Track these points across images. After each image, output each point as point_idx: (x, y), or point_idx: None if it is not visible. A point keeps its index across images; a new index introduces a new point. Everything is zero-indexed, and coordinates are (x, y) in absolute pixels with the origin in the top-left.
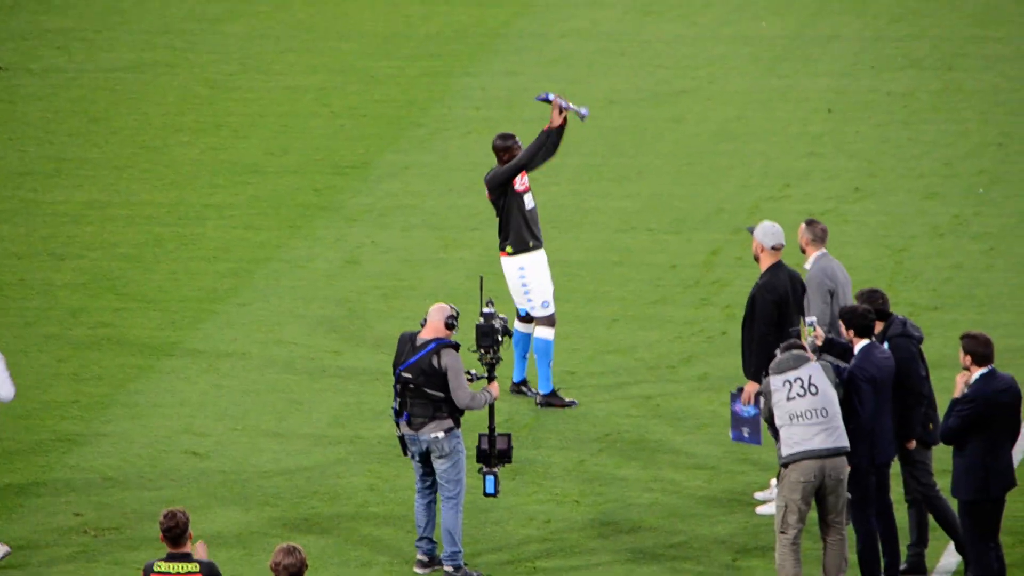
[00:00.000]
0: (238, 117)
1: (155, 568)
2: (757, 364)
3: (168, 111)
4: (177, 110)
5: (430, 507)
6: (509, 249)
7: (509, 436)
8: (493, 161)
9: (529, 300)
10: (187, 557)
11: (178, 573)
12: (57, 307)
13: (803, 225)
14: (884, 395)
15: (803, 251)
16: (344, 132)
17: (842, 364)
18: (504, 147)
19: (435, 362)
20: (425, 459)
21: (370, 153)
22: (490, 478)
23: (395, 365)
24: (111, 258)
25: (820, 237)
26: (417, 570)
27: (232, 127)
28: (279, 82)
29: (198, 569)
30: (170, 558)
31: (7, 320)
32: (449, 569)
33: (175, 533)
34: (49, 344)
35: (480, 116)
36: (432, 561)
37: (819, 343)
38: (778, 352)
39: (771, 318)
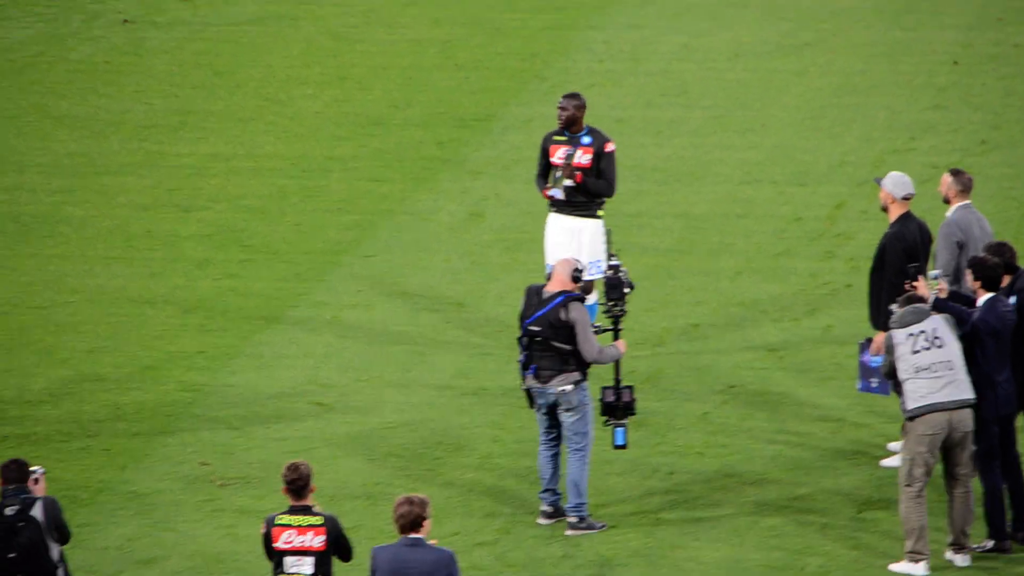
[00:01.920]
0: (362, 69)
1: (277, 521)
2: (886, 314)
3: (292, 63)
4: (301, 62)
5: (554, 459)
6: (602, 213)
7: (632, 388)
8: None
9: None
10: (309, 510)
11: (300, 526)
12: (183, 259)
13: (948, 175)
14: (1005, 347)
15: (946, 201)
16: (468, 85)
17: (967, 310)
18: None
19: (563, 315)
20: (551, 412)
21: (494, 106)
22: (619, 431)
23: (522, 318)
24: (236, 210)
25: (966, 187)
26: (541, 520)
27: (356, 79)
28: (403, 35)
29: (321, 522)
30: (292, 511)
31: (133, 271)
32: (573, 519)
33: (298, 485)
34: (175, 295)
35: (603, 69)
36: (556, 512)
37: (943, 296)
38: (895, 307)
39: (901, 268)
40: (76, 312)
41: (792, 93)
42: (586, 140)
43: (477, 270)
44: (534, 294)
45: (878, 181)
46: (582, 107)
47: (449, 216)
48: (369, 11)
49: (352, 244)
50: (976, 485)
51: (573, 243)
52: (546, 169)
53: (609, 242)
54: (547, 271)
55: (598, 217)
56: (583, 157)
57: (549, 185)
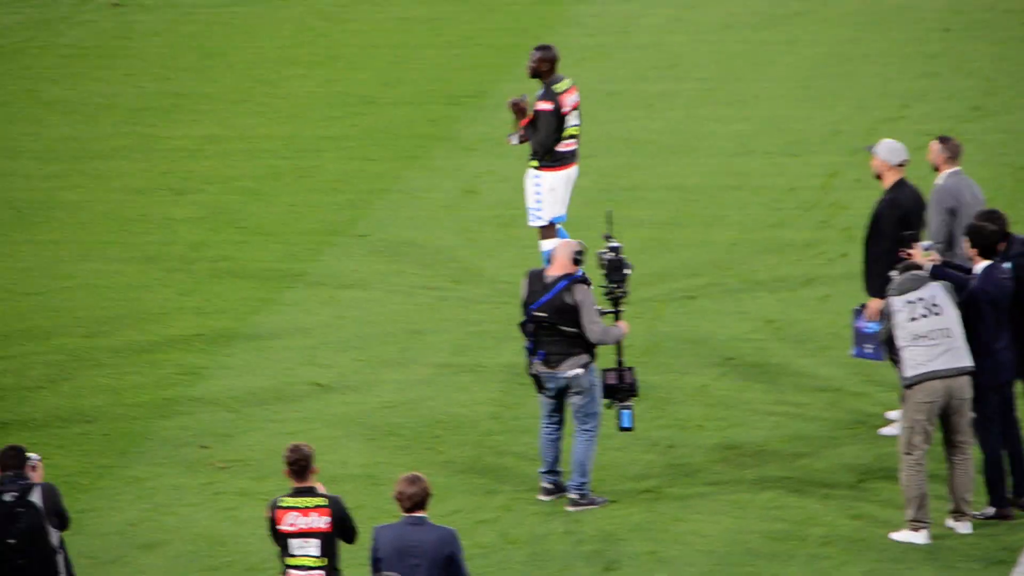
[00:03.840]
0: (352, 49)
1: (280, 503)
2: (880, 281)
3: (283, 44)
4: (292, 43)
5: (557, 442)
6: (534, 163)
7: (633, 369)
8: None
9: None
10: (312, 491)
11: (304, 507)
12: (178, 241)
13: (936, 142)
14: (1003, 315)
15: (936, 168)
16: (458, 61)
17: (965, 277)
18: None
19: (567, 298)
20: (559, 396)
21: (485, 82)
22: (626, 413)
23: (525, 304)
24: (230, 192)
25: (955, 154)
26: (541, 497)
27: (346, 59)
28: (392, 13)
29: (325, 503)
30: (296, 492)
31: (129, 255)
32: (575, 496)
33: (300, 467)
34: (171, 278)
35: (594, 43)
36: (557, 488)
37: (936, 265)
38: (894, 274)
39: (895, 234)
40: (72, 297)
41: (783, 64)
42: (538, 93)
43: (472, 247)
44: (536, 279)
45: (870, 149)
46: (541, 60)
47: (443, 193)
48: None
49: (347, 223)
50: (976, 452)
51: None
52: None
53: (609, 223)
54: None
55: (531, 166)
56: (532, 108)
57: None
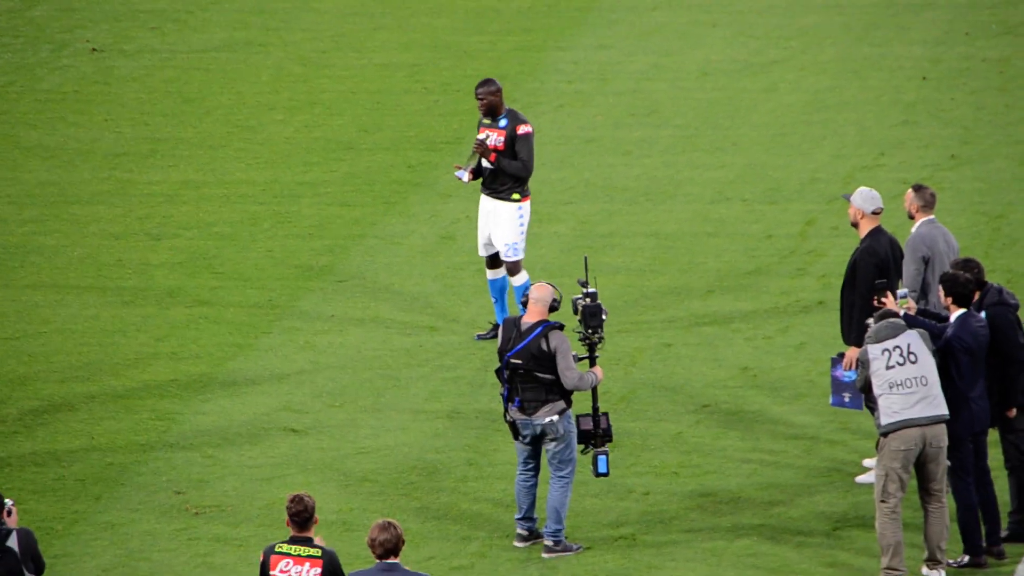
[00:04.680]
0: (331, 95)
1: (276, 549)
2: (858, 329)
3: (262, 90)
4: (271, 88)
5: (532, 489)
6: (516, 196)
7: (607, 415)
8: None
9: (518, 244)
10: (309, 541)
11: (299, 556)
12: (154, 287)
13: (911, 191)
14: (980, 364)
15: (911, 216)
16: (437, 108)
17: (939, 326)
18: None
19: (543, 345)
20: (535, 442)
21: (463, 128)
22: (602, 458)
23: (501, 351)
24: (207, 237)
25: (929, 203)
26: (516, 544)
27: (325, 104)
28: (372, 59)
29: (319, 555)
30: (292, 540)
31: (105, 300)
32: (549, 543)
33: (303, 518)
34: (147, 323)
35: (572, 90)
36: (532, 535)
37: (912, 314)
38: (871, 321)
39: (872, 282)
40: (48, 342)
41: (761, 111)
42: (502, 123)
43: (449, 293)
44: (512, 326)
45: (847, 197)
46: (497, 92)
47: (421, 239)
48: (338, 36)
49: (324, 269)
50: (950, 500)
51: (488, 223)
52: None
53: (585, 269)
54: (479, 252)
55: (512, 200)
56: (497, 139)
57: (459, 164)
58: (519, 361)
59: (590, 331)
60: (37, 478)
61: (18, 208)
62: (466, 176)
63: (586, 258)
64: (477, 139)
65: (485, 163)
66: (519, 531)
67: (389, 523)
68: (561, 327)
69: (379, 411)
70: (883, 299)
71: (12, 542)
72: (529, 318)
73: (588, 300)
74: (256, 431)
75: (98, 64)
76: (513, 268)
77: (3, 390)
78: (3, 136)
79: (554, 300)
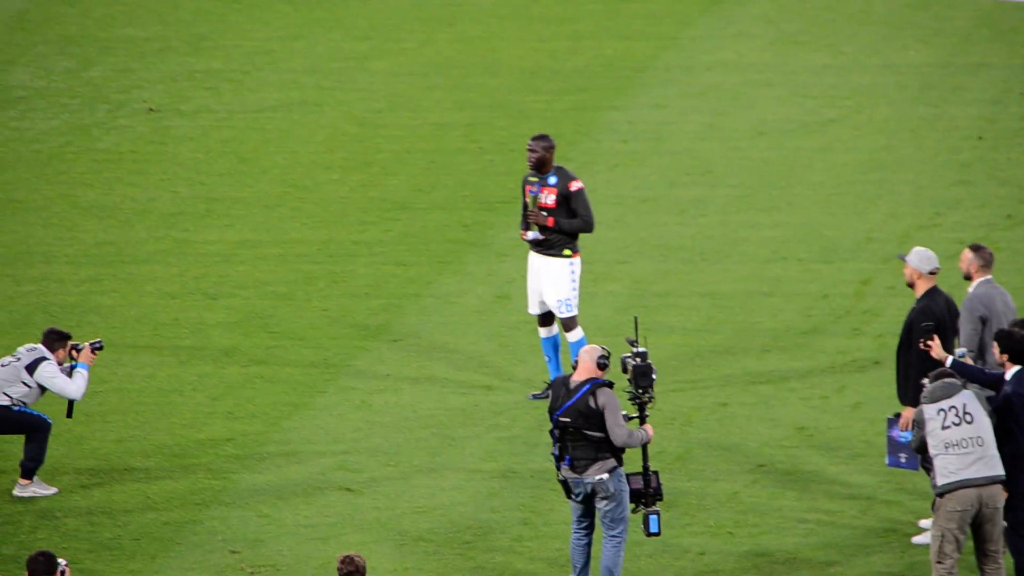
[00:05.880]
0: (386, 154)
1: None
2: (914, 389)
3: (317, 149)
4: (326, 148)
5: (587, 547)
6: (568, 252)
7: (658, 473)
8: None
9: (571, 301)
10: None
11: None
12: (210, 346)
13: (968, 251)
14: None
15: (967, 277)
16: (492, 167)
17: (990, 374)
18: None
19: (592, 403)
20: (587, 500)
21: (518, 188)
22: (653, 517)
23: (551, 411)
24: (263, 296)
25: (987, 262)
26: None
27: (380, 164)
28: (427, 118)
29: None
30: None
31: (162, 359)
32: None
33: None
34: (203, 383)
35: (627, 149)
36: None
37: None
38: (927, 381)
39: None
40: (104, 402)
41: (817, 170)
42: (552, 180)
43: (505, 352)
44: (561, 385)
45: (902, 257)
46: (550, 148)
47: (476, 298)
48: (392, 95)
49: (379, 328)
50: (1007, 560)
51: (539, 281)
52: (525, 208)
53: (635, 328)
54: (529, 310)
55: (563, 256)
56: (548, 197)
57: (523, 232)
58: (568, 419)
59: (640, 391)
60: (93, 537)
61: (75, 268)
62: (539, 235)
63: (636, 318)
64: (531, 211)
65: (534, 234)
66: None
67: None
68: (610, 385)
69: (434, 470)
70: (929, 342)
71: None
72: (578, 376)
73: (638, 360)
74: (311, 490)
75: (155, 124)
76: (568, 324)
77: (60, 449)
78: (61, 196)
79: (600, 358)
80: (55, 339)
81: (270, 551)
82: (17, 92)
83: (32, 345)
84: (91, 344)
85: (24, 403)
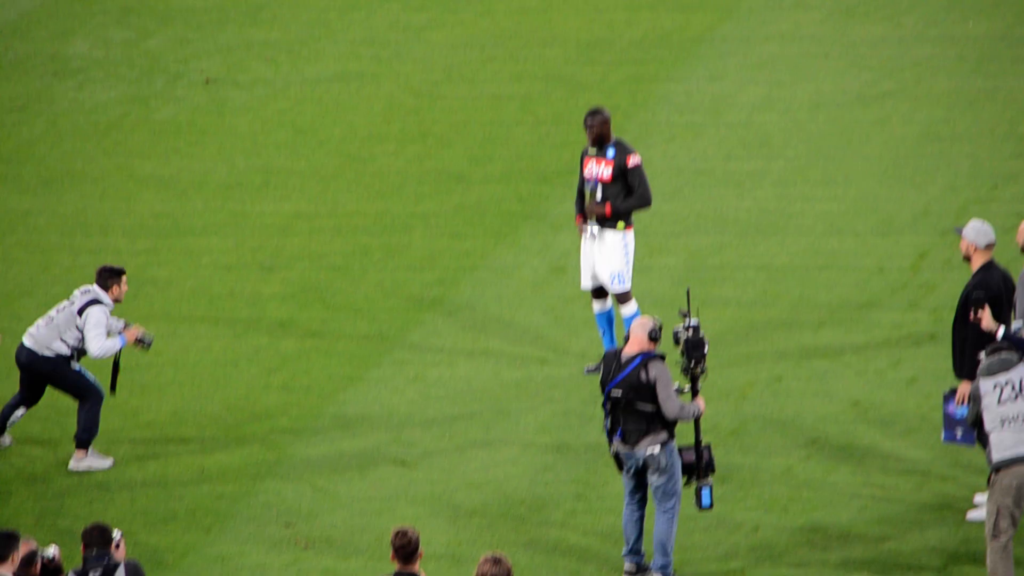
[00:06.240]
0: (443, 126)
1: None
2: (970, 363)
3: (374, 121)
4: (383, 119)
5: (640, 521)
6: (622, 224)
7: (710, 446)
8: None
9: (624, 274)
10: None
11: None
12: (266, 318)
13: None
14: None
15: None
16: (549, 139)
17: None
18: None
19: (643, 376)
20: (639, 474)
21: (574, 160)
22: (706, 490)
23: (603, 383)
24: (319, 268)
25: None
26: None
27: (437, 136)
28: (484, 90)
29: None
30: (398, 575)
31: (217, 331)
32: None
33: (407, 551)
34: (259, 355)
35: (684, 121)
36: (639, 570)
37: None
38: (983, 355)
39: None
40: (160, 374)
41: (874, 143)
42: (610, 153)
43: (560, 325)
44: (613, 358)
45: (959, 231)
46: (606, 122)
47: (531, 271)
48: (450, 67)
49: (434, 301)
50: None
51: (592, 254)
52: (582, 183)
53: (688, 300)
54: (583, 284)
55: (617, 229)
56: (605, 170)
57: (581, 227)
58: (619, 392)
59: (692, 363)
60: (148, 509)
61: (132, 239)
62: (595, 230)
63: (688, 289)
64: (589, 205)
65: (592, 226)
66: (627, 565)
67: (499, 557)
68: (662, 357)
69: (488, 444)
70: (980, 311)
71: (120, 575)
72: (630, 349)
73: (690, 332)
74: (366, 463)
75: (212, 95)
76: (622, 298)
77: (115, 421)
78: (118, 167)
79: (652, 330)
80: (108, 276)
81: (324, 524)
82: (75, 63)
83: (87, 287)
84: (142, 336)
85: (81, 352)
